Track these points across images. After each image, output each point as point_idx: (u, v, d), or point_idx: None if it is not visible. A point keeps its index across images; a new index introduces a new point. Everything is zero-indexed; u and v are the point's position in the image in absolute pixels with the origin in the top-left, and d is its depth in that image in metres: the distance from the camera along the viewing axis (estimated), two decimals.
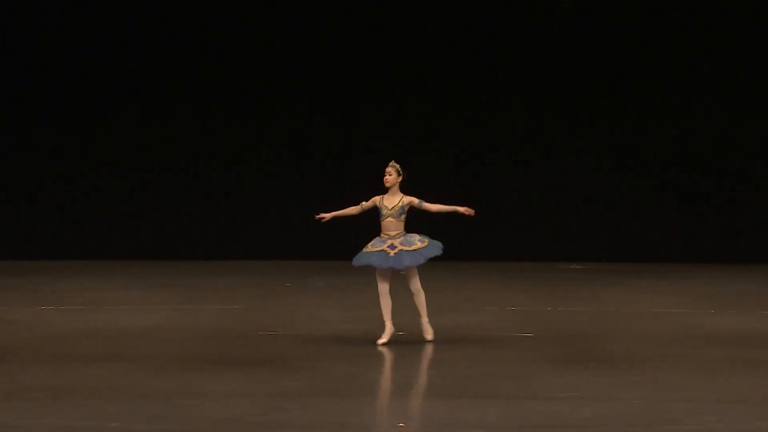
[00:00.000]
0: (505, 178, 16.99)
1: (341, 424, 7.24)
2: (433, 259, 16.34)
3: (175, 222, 16.87)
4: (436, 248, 9.75)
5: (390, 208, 9.69)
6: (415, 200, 9.76)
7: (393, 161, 9.84)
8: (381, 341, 9.70)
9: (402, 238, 9.68)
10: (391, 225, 9.69)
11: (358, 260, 9.72)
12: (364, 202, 9.80)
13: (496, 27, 16.90)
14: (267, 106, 16.90)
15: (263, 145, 16.95)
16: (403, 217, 9.73)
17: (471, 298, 13.14)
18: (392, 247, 9.63)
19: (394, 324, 9.78)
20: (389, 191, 9.75)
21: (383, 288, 9.75)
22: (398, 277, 9.83)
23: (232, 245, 16.81)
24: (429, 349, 9.65)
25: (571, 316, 11.78)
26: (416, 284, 9.80)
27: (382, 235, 9.72)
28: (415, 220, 9.85)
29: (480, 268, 16.03)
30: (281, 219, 16.53)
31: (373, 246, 9.68)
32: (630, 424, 7.21)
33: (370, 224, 9.90)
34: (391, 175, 9.74)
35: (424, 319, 9.88)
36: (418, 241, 9.69)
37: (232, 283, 14.31)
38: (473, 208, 9.86)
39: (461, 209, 9.83)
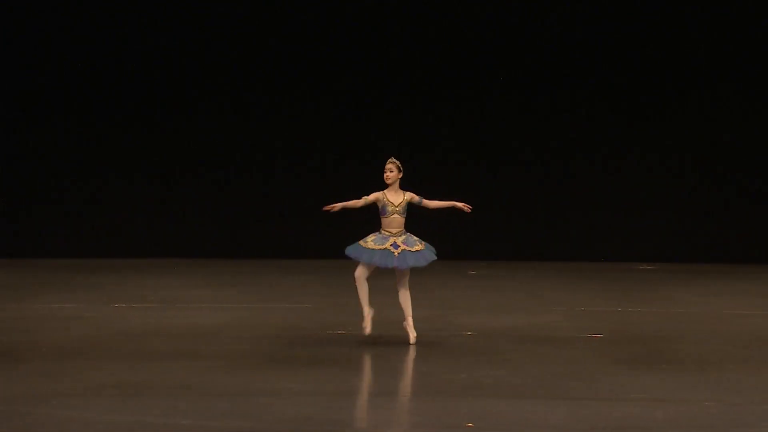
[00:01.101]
0: (574, 179, 16.88)
1: (411, 423, 7.25)
2: (498, 259, 16.41)
3: (245, 221, 17.00)
4: (432, 253, 9.64)
5: (396, 204, 9.61)
6: (416, 197, 9.66)
7: (392, 158, 9.72)
8: (367, 330, 9.60)
9: (404, 236, 9.59)
10: (395, 222, 9.59)
11: (357, 253, 9.53)
12: (366, 197, 9.65)
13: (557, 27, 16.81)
14: (342, 105, 16.95)
15: (333, 144, 17.00)
16: (405, 214, 9.66)
17: (539, 298, 13.07)
18: (395, 246, 9.52)
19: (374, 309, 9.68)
20: (390, 188, 9.64)
21: (362, 275, 9.58)
22: (383, 274, 9.66)
23: (301, 244, 16.89)
24: (497, 349, 9.62)
25: (641, 316, 11.66)
26: (406, 284, 9.64)
27: (383, 231, 9.60)
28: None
29: (547, 269, 15.94)
30: (351, 219, 16.56)
31: (375, 243, 9.55)
32: (702, 427, 7.12)
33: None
34: (392, 171, 9.62)
35: (409, 320, 9.67)
36: (418, 243, 9.59)
37: (302, 282, 14.38)
38: (471, 206, 9.71)
39: (459, 204, 9.72)
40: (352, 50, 16.89)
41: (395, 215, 9.61)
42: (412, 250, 9.57)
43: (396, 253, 9.52)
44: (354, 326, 10.60)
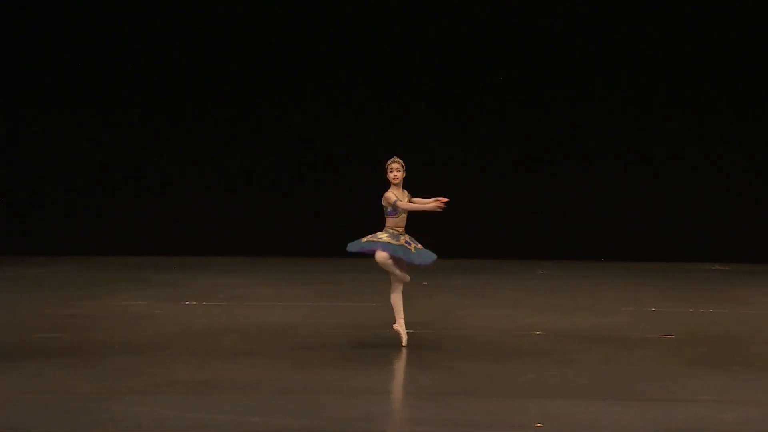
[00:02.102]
0: (641, 178, 16.72)
1: (477, 423, 7.24)
2: (567, 258, 16.29)
3: (314, 219, 17.07)
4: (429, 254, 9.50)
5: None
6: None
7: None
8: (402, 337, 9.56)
9: (407, 236, 9.51)
10: (404, 221, 9.54)
11: (372, 246, 9.41)
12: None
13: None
14: (406, 105, 16.97)
15: (409, 142, 16.99)
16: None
17: (608, 299, 12.97)
18: (408, 243, 9.45)
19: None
20: (397, 187, 9.57)
21: (396, 294, 9.55)
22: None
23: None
24: (566, 349, 9.57)
25: (713, 317, 11.53)
26: (402, 285, 9.53)
27: (391, 230, 9.49)
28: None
29: (616, 268, 15.81)
30: (417, 217, 16.57)
31: (390, 239, 9.45)
32: None
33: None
34: (400, 171, 9.57)
35: (401, 322, 9.54)
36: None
37: (369, 280, 14.41)
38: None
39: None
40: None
41: (404, 215, 9.54)
42: (419, 247, 9.47)
43: (413, 250, 9.43)
44: (420, 325, 10.61)
